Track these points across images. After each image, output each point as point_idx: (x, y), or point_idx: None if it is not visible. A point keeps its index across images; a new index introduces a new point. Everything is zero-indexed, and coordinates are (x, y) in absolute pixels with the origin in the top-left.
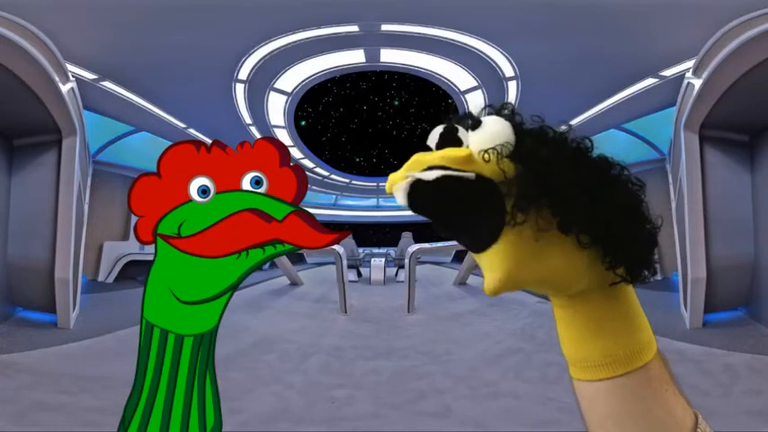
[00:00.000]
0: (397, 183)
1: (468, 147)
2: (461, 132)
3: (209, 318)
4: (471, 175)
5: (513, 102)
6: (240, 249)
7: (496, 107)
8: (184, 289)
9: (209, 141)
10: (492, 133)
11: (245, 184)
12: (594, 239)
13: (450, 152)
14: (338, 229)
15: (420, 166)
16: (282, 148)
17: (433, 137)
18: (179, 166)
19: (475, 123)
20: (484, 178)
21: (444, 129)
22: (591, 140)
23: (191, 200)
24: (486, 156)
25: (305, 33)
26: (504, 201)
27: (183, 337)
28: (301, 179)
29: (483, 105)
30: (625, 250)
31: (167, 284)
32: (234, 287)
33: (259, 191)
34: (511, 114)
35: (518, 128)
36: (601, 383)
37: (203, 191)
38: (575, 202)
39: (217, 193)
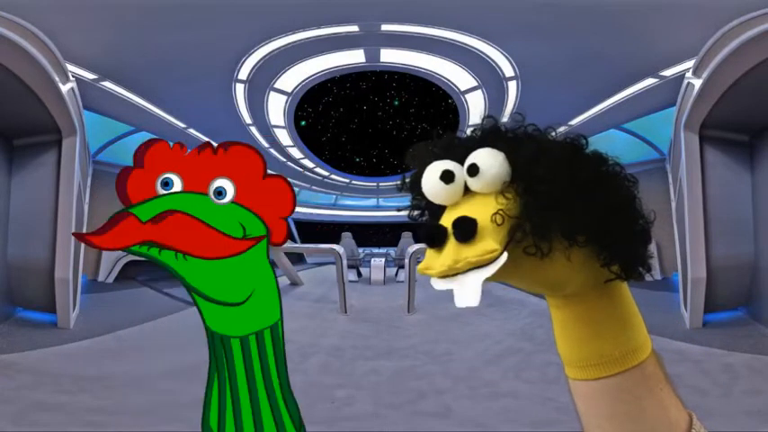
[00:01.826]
0: (435, 279)
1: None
2: (457, 170)
3: (261, 315)
4: (504, 257)
5: (512, 102)
6: (117, 248)
7: (484, 128)
8: (213, 289)
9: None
10: (492, 178)
11: (213, 187)
12: (590, 238)
13: (480, 259)
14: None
15: (454, 272)
16: (260, 158)
17: (430, 180)
18: (152, 163)
19: (472, 170)
20: (510, 244)
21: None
22: (585, 138)
23: (157, 195)
24: (499, 219)
25: (305, 33)
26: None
27: (248, 338)
28: (283, 189)
29: (470, 126)
30: (619, 247)
31: (192, 289)
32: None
33: (222, 201)
34: (495, 131)
35: (509, 151)
36: (596, 383)
37: (165, 183)
38: (576, 210)
39: (164, 195)
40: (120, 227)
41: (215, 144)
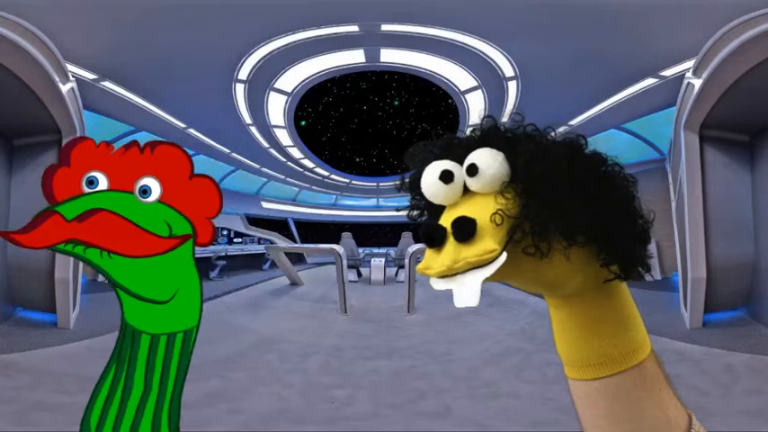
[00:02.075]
0: (434, 279)
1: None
2: (456, 170)
3: (183, 317)
4: (503, 257)
5: (512, 102)
6: (44, 246)
7: (483, 128)
8: (143, 288)
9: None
10: (491, 177)
11: (138, 186)
12: (590, 238)
13: (479, 259)
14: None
15: (454, 272)
16: (187, 157)
17: (429, 180)
18: (78, 161)
19: (471, 170)
20: (509, 244)
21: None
22: (585, 138)
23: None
24: (498, 219)
25: (305, 33)
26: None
27: (159, 336)
28: (210, 190)
29: (470, 126)
30: (618, 247)
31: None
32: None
33: (148, 199)
34: (495, 131)
35: (509, 151)
36: (595, 382)
37: (90, 181)
38: (575, 209)
39: (92, 192)
40: (44, 225)
41: (141, 143)
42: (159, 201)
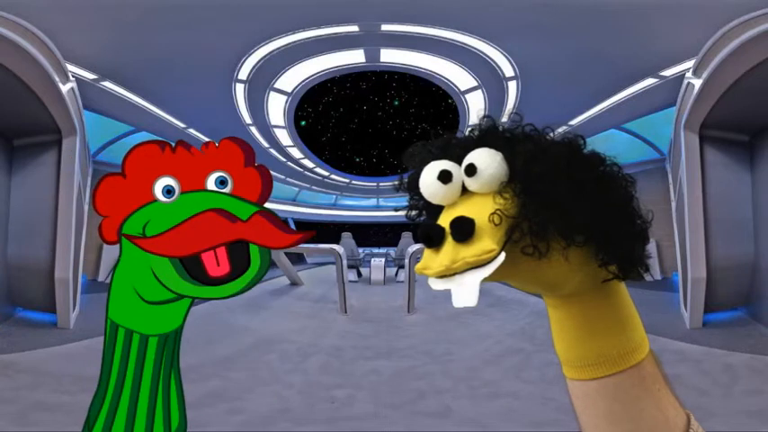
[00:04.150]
0: (432, 279)
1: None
2: (454, 170)
3: (173, 318)
4: (501, 257)
5: (512, 102)
6: (205, 249)
7: (481, 128)
8: (149, 289)
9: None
10: (489, 177)
11: (210, 184)
12: (588, 237)
13: (478, 259)
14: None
15: (452, 272)
16: (247, 148)
17: (428, 180)
18: (144, 167)
19: (470, 170)
20: (507, 244)
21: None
22: (583, 138)
23: (155, 200)
24: (497, 218)
25: (305, 33)
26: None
27: (148, 338)
28: (266, 179)
29: (468, 127)
30: (617, 247)
31: (132, 284)
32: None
33: (224, 191)
34: (493, 131)
35: (507, 151)
36: (594, 382)
37: (168, 191)
38: (574, 209)
39: (181, 192)
40: (217, 224)
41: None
42: (232, 195)
